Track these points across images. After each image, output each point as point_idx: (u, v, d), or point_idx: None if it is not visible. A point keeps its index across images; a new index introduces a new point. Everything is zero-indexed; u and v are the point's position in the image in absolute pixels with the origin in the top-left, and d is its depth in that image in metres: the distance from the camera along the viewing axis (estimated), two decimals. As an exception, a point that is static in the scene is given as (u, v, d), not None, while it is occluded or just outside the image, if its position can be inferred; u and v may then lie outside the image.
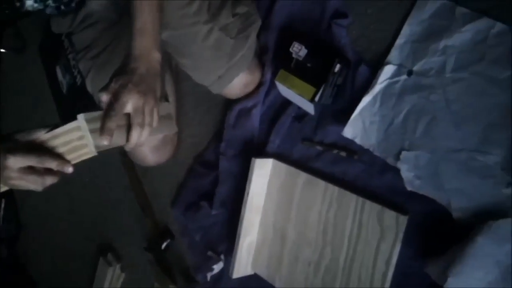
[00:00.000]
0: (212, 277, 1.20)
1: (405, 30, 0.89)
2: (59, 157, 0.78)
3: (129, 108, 0.80)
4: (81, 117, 0.77)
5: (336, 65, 0.93)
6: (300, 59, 0.94)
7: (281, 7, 1.06)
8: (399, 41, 0.89)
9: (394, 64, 0.89)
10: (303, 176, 1.01)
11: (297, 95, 0.96)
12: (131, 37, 0.84)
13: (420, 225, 0.86)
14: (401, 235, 0.86)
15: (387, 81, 0.90)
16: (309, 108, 0.99)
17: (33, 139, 0.78)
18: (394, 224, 0.87)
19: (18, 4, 0.95)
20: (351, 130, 0.94)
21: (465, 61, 0.82)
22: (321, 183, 0.98)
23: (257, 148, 1.11)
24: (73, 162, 0.79)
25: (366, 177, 0.95)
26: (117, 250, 1.65)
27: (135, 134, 0.82)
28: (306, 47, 0.94)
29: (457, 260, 0.74)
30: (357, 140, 0.93)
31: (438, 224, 0.84)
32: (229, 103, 1.15)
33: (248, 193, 1.04)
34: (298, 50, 0.94)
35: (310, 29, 1.02)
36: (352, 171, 0.97)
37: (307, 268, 0.99)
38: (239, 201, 1.06)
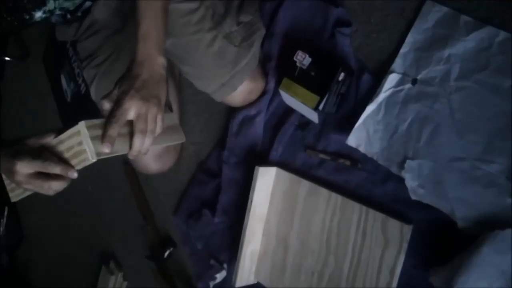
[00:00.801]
0: (214, 286, 1.20)
1: (409, 39, 0.89)
2: (64, 162, 0.78)
3: (131, 115, 0.79)
4: (82, 123, 0.77)
5: (340, 73, 0.93)
6: (304, 67, 0.95)
7: (285, 15, 1.06)
8: (403, 49, 0.89)
9: (398, 73, 0.89)
10: (306, 185, 1.01)
11: (301, 104, 0.96)
12: (135, 42, 0.83)
13: (424, 234, 0.86)
14: (405, 245, 0.85)
15: (392, 89, 0.90)
16: (313, 116, 0.99)
17: (42, 144, 0.80)
18: (399, 233, 0.86)
19: (27, 17, 0.95)
20: (355, 139, 0.93)
21: (469, 69, 0.82)
22: (324, 192, 0.98)
23: (260, 156, 1.11)
24: (77, 167, 0.79)
25: (369, 186, 0.94)
26: (119, 259, 1.64)
27: (137, 142, 0.81)
28: (310, 56, 0.94)
29: (461, 269, 0.74)
30: (361, 149, 0.93)
31: (442, 233, 0.84)
32: (232, 110, 1.15)
33: (251, 202, 1.04)
34: (302, 59, 0.94)
35: (314, 38, 1.02)
36: (355, 180, 0.96)
37: (311, 277, 0.99)
38: (241, 210, 1.06)
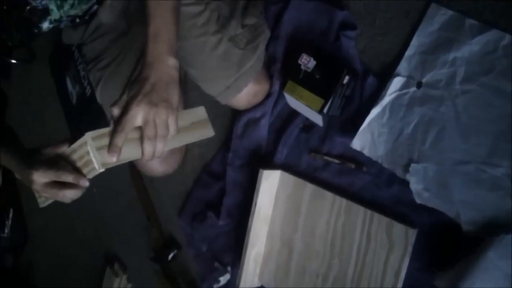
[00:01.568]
0: (218, 288, 1.20)
1: (414, 42, 0.89)
2: (76, 171, 0.79)
3: (138, 121, 0.77)
4: (88, 134, 0.77)
5: (344, 76, 0.93)
6: (309, 70, 0.95)
7: (290, 18, 1.06)
8: (408, 52, 0.89)
9: (403, 76, 0.89)
10: (310, 188, 1.01)
11: (305, 106, 0.96)
12: (146, 43, 0.80)
13: (428, 237, 0.86)
14: (410, 248, 0.85)
15: (396, 92, 0.90)
16: (317, 119, 0.99)
17: (57, 153, 0.82)
18: (403, 237, 0.86)
19: (36, 30, 0.96)
20: (359, 142, 0.93)
21: (474, 73, 0.82)
22: (329, 195, 0.98)
23: (264, 158, 1.11)
24: (88, 177, 0.80)
25: (373, 189, 0.94)
26: (123, 261, 1.65)
27: (147, 148, 0.78)
28: (314, 59, 0.94)
29: (466, 273, 0.74)
30: (365, 152, 0.93)
31: (447, 236, 0.84)
32: (236, 113, 1.15)
33: (255, 204, 1.04)
34: (307, 62, 0.94)
35: (318, 40, 1.02)
36: (359, 182, 0.96)
37: (315, 280, 0.99)
38: (246, 212, 1.06)
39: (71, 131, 1.69)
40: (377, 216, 0.90)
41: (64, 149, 0.81)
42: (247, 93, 1.06)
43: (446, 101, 0.84)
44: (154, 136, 0.78)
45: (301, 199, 1.02)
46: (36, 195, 0.86)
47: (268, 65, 1.10)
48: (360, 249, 0.92)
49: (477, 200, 0.79)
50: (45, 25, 0.95)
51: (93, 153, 0.77)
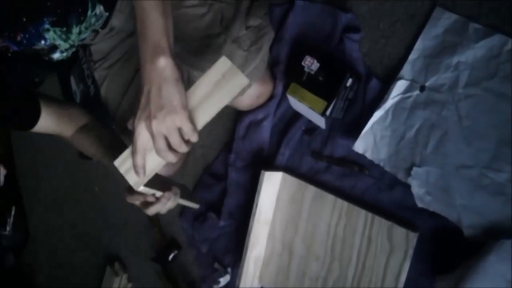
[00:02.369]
0: (217, 289, 1.20)
1: (418, 45, 0.89)
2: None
3: (145, 138, 0.76)
4: (115, 162, 0.80)
5: (348, 79, 0.93)
6: (312, 73, 0.95)
7: (294, 20, 1.06)
8: (412, 56, 0.89)
9: (406, 79, 0.89)
10: (312, 190, 1.01)
11: (308, 109, 0.96)
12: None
13: (429, 240, 0.85)
14: (411, 252, 0.85)
15: (400, 96, 0.90)
16: (320, 122, 0.99)
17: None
18: (404, 240, 0.86)
19: (46, 58, 0.96)
20: (362, 145, 0.93)
21: (478, 77, 0.82)
22: (330, 197, 0.98)
23: (266, 160, 1.11)
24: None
25: (375, 192, 0.94)
26: (124, 260, 1.65)
27: (165, 158, 0.77)
28: (318, 61, 0.94)
29: (467, 277, 0.73)
30: (368, 155, 0.93)
31: (448, 240, 0.84)
32: (239, 114, 1.15)
33: (256, 206, 1.03)
34: (310, 64, 0.95)
35: (322, 42, 1.02)
36: (361, 185, 0.96)
37: (315, 283, 0.98)
38: (247, 213, 1.06)
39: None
40: (378, 219, 0.90)
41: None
42: (250, 95, 1.06)
43: (449, 105, 0.84)
44: (165, 147, 0.76)
45: (303, 201, 1.02)
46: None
47: (272, 67, 1.10)
48: (360, 252, 0.92)
49: (478, 205, 0.79)
50: (56, 55, 0.96)
51: (126, 177, 0.80)
